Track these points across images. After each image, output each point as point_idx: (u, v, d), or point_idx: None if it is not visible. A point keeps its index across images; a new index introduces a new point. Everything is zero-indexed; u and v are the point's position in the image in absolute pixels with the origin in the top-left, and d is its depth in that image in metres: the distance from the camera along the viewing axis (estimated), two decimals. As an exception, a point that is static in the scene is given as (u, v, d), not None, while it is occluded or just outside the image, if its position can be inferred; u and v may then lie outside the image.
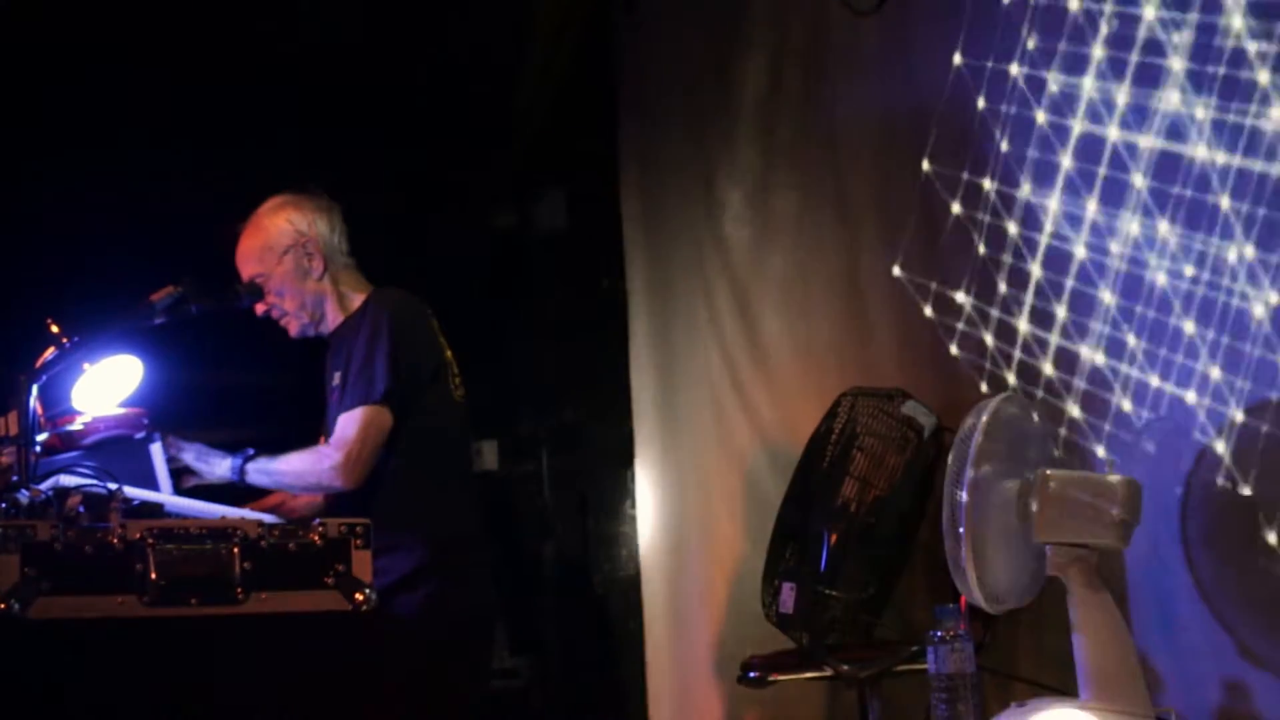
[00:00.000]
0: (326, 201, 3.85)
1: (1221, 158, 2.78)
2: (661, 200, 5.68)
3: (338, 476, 3.53)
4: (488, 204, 7.01)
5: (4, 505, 2.84)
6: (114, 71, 5.53)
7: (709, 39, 5.12)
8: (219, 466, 3.64)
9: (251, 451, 3.63)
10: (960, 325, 3.58)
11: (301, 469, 3.60)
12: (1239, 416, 2.76)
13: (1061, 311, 3.22)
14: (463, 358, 3.82)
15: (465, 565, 3.66)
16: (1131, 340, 3.01)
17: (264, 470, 3.62)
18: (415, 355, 3.63)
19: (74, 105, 5.55)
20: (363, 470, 3.53)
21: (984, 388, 3.46)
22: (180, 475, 3.65)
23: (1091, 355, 3.13)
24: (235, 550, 2.80)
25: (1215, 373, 2.80)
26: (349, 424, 3.54)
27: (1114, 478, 2.75)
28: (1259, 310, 2.72)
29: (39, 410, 3.19)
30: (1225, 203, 2.77)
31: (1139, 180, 2.98)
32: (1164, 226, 2.92)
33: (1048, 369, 3.27)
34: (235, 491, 3.63)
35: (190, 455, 3.65)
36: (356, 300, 3.78)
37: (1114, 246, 3.06)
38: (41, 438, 3.23)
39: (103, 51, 5.51)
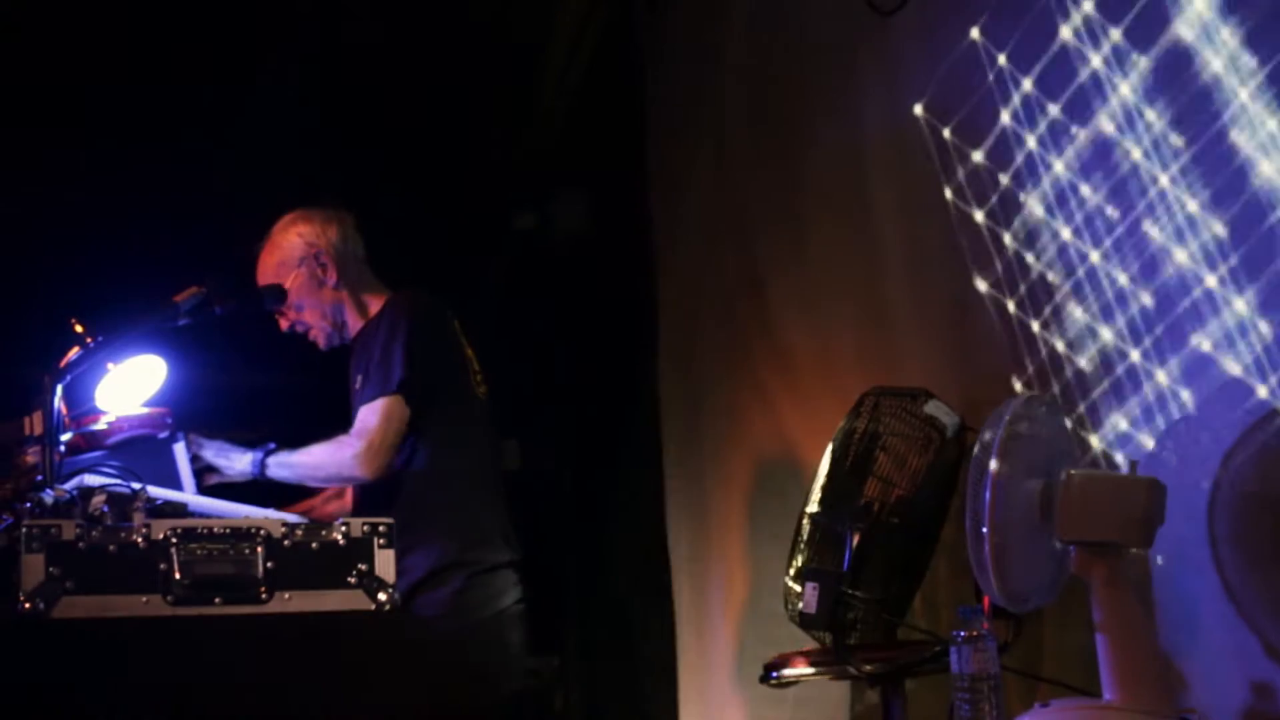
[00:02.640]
0: (338, 211, 3.90)
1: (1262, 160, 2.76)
2: (686, 201, 5.68)
3: (359, 465, 3.54)
4: (512, 204, 7.02)
5: (29, 504, 2.85)
6: (138, 73, 5.55)
7: (731, 39, 5.11)
8: (239, 461, 3.66)
9: (272, 445, 3.65)
10: (984, 325, 3.57)
11: (322, 459, 3.62)
12: (1267, 415, 2.75)
13: (1087, 311, 3.21)
14: (486, 357, 3.83)
15: (490, 564, 3.67)
16: (1158, 339, 3.00)
17: (284, 463, 3.64)
18: (433, 351, 3.65)
19: (98, 108, 5.57)
20: (384, 460, 3.55)
21: (1007, 387, 3.45)
22: (202, 474, 3.67)
23: (1117, 355, 3.12)
24: (259, 550, 2.81)
25: (1242, 371, 2.79)
26: (369, 414, 3.56)
27: (1138, 477, 2.74)
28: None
29: (63, 410, 3.21)
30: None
31: (1166, 179, 2.97)
32: (1195, 226, 2.91)
33: (1072, 368, 3.26)
34: (260, 491, 3.64)
35: (210, 451, 3.67)
36: (375, 305, 3.80)
37: (1143, 245, 3.04)
38: (66, 437, 3.24)
39: (126, 54, 5.53)
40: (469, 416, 3.75)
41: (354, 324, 3.83)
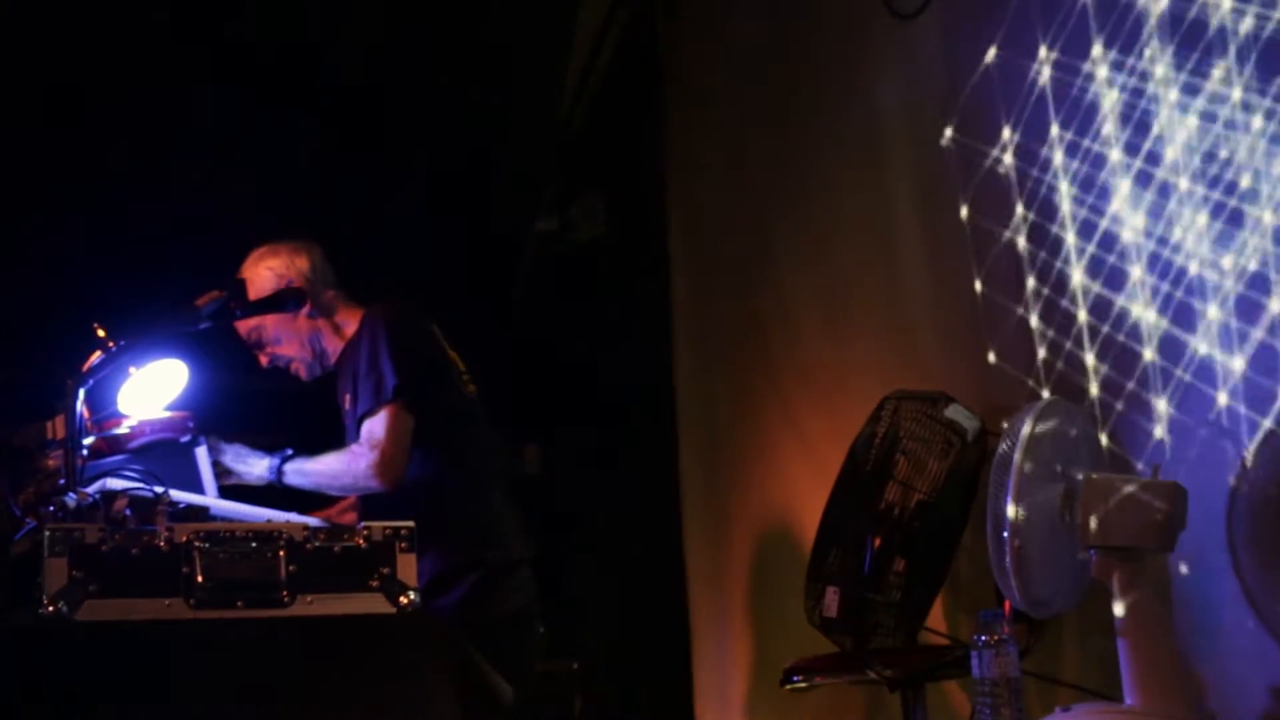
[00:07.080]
0: (304, 242, 3.91)
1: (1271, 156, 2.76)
2: (704, 206, 5.69)
3: (374, 476, 3.56)
4: (532, 209, 7.03)
5: (52, 508, 2.86)
6: (156, 76, 5.57)
7: (750, 43, 5.12)
8: (256, 467, 3.68)
9: (289, 452, 3.67)
10: (1004, 329, 3.57)
11: (338, 469, 3.63)
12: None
13: (1106, 315, 3.21)
14: (507, 361, 3.83)
15: (501, 563, 3.68)
16: (1177, 344, 2.99)
17: (301, 471, 3.66)
18: (417, 355, 3.67)
19: (121, 112, 5.59)
20: (399, 469, 3.56)
21: (1027, 392, 3.45)
22: (217, 475, 3.68)
23: (1136, 359, 3.12)
24: (281, 553, 2.82)
25: (1262, 376, 2.78)
26: (375, 425, 3.57)
27: (1159, 482, 2.73)
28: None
29: (86, 414, 3.22)
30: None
31: (1184, 182, 2.96)
32: (1213, 227, 2.90)
33: (1092, 373, 3.25)
34: (280, 495, 3.65)
35: (229, 456, 3.69)
36: (352, 325, 3.81)
37: (1162, 250, 3.04)
38: (88, 441, 3.25)
39: (144, 57, 5.54)
40: (463, 416, 3.77)
41: (333, 348, 3.85)
